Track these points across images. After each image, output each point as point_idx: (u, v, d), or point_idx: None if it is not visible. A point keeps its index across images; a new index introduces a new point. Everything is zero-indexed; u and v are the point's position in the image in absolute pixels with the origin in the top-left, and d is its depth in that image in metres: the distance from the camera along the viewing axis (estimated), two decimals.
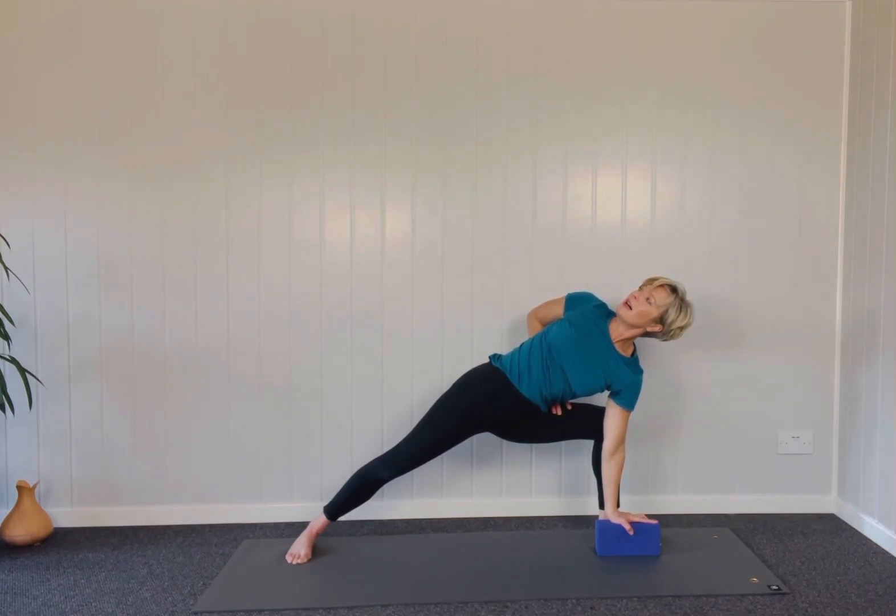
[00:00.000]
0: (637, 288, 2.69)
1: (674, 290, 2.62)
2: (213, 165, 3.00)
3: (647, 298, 2.60)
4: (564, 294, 2.86)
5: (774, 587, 2.42)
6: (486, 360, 2.80)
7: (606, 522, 2.68)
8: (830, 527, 3.01)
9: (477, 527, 3.01)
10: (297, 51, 3.00)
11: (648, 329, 2.64)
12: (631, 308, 2.60)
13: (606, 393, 2.73)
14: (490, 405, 2.68)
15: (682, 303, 2.62)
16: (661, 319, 2.62)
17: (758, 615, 2.25)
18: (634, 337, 2.68)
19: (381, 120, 3.03)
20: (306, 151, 3.02)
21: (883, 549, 2.76)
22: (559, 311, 2.82)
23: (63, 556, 2.73)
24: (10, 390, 2.81)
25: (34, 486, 2.86)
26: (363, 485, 2.67)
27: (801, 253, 3.13)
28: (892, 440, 2.75)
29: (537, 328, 2.89)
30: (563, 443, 3.12)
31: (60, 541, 2.88)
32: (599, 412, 2.77)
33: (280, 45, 3.00)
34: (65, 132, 2.96)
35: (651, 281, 2.66)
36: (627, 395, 2.66)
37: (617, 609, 2.28)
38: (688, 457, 3.16)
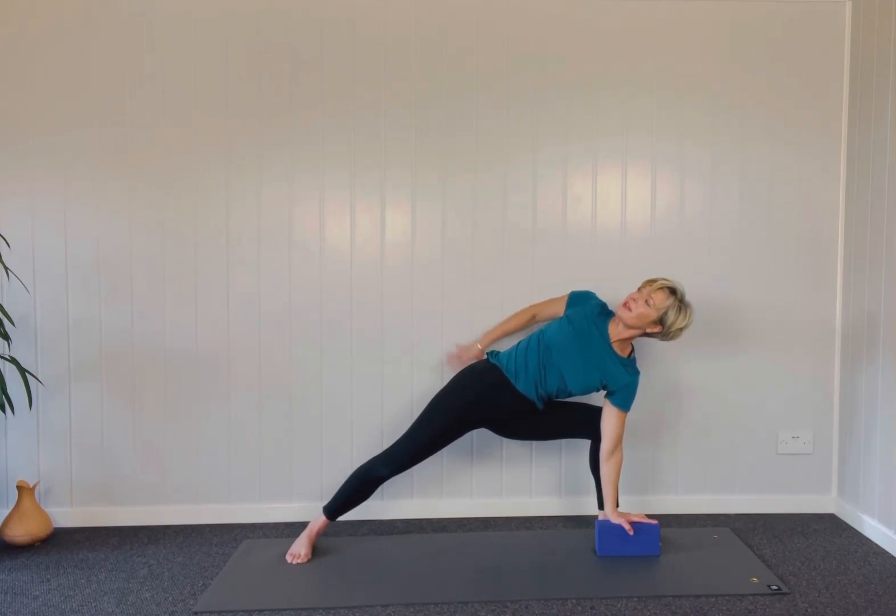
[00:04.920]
0: (636, 289, 2.69)
1: (673, 291, 2.62)
2: (213, 164, 3.00)
3: (647, 301, 2.60)
4: (566, 293, 2.88)
5: (774, 587, 2.42)
6: (484, 358, 2.81)
7: (606, 522, 2.68)
8: (830, 527, 3.01)
9: (477, 527, 3.01)
10: (296, 49, 3.00)
11: (648, 330, 2.64)
12: (630, 310, 2.60)
13: (603, 393, 2.73)
14: (487, 401, 2.68)
15: (681, 304, 2.62)
16: (660, 321, 2.62)
17: (758, 615, 2.25)
18: (633, 337, 2.68)
19: (381, 117, 3.02)
20: (306, 149, 3.02)
21: (883, 549, 2.76)
22: (559, 309, 2.83)
23: (63, 556, 2.73)
24: (10, 390, 2.81)
25: (34, 486, 2.86)
26: (363, 483, 2.67)
27: (801, 253, 3.13)
28: (892, 440, 2.75)
29: (523, 319, 2.92)
30: (564, 442, 3.12)
31: (60, 541, 2.88)
32: (597, 412, 2.77)
33: (279, 43, 3.00)
34: (65, 132, 2.95)
35: (650, 282, 2.66)
36: (623, 396, 2.67)
37: (617, 609, 2.28)
38: (688, 456, 3.16)
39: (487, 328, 3.06)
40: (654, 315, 2.60)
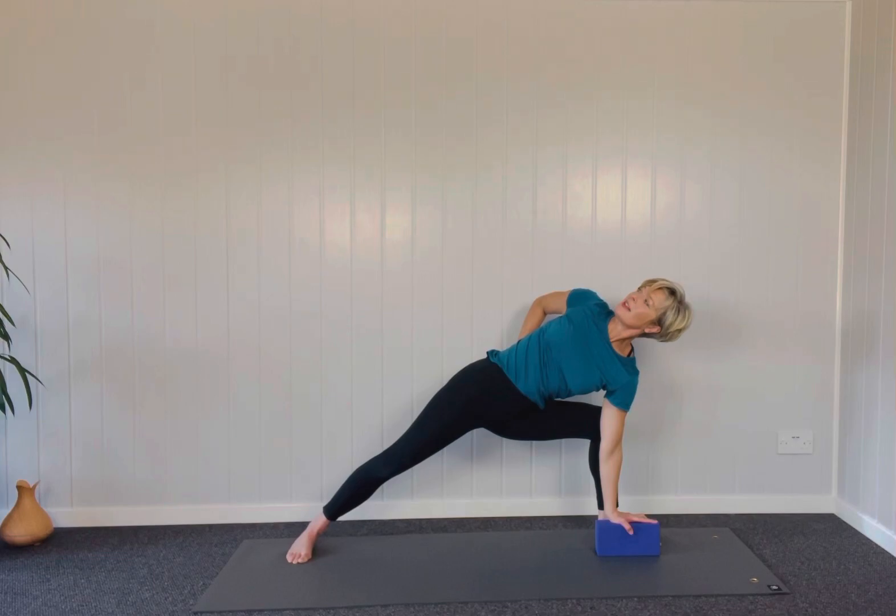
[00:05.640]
0: (636, 288, 2.70)
1: (672, 292, 2.62)
2: (213, 164, 3.00)
3: (646, 300, 2.60)
4: (569, 288, 2.88)
5: (774, 587, 2.42)
6: (485, 357, 2.81)
7: (606, 522, 2.68)
8: (830, 527, 3.01)
9: (477, 527, 3.01)
10: (295, 50, 3.00)
11: (646, 330, 2.65)
12: (629, 309, 2.60)
13: (603, 392, 2.73)
14: (487, 401, 2.68)
15: (680, 305, 2.62)
16: (658, 321, 2.62)
17: (758, 615, 2.25)
18: (632, 337, 2.68)
19: (381, 117, 3.02)
20: (306, 149, 3.02)
21: (883, 549, 2.76)
22: (562, 304, 2.83)
23: (63, 556, 2.73)
24: (10, 390, 2.81)
25: (34, 486, 2.86)
26: (363, 484, 2.67)
27: (801, 253, 3.13)
28: (891, 440, 2.75)
29: (538, 314, 2.92)
30: (564, 442, 3.12)
31: (60, 541, 2.88)
32: (597, 411, 2.77)
33: (279, 45, 3.00)
34: (65, 132, 2.95)
35: (650, 282, 2.66)
36: (622, 395, 2.67)
37: (617, 609, 2.28)
38: (688, 457, 3.16)
39: (487, 329, 3.07)
40: (652, 315, 2.60)
